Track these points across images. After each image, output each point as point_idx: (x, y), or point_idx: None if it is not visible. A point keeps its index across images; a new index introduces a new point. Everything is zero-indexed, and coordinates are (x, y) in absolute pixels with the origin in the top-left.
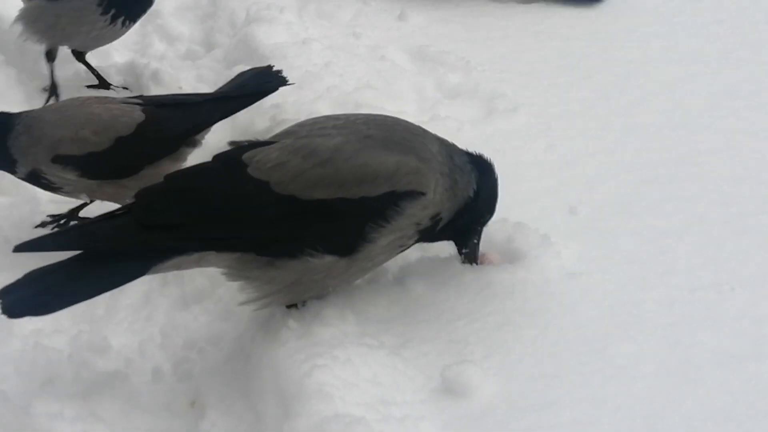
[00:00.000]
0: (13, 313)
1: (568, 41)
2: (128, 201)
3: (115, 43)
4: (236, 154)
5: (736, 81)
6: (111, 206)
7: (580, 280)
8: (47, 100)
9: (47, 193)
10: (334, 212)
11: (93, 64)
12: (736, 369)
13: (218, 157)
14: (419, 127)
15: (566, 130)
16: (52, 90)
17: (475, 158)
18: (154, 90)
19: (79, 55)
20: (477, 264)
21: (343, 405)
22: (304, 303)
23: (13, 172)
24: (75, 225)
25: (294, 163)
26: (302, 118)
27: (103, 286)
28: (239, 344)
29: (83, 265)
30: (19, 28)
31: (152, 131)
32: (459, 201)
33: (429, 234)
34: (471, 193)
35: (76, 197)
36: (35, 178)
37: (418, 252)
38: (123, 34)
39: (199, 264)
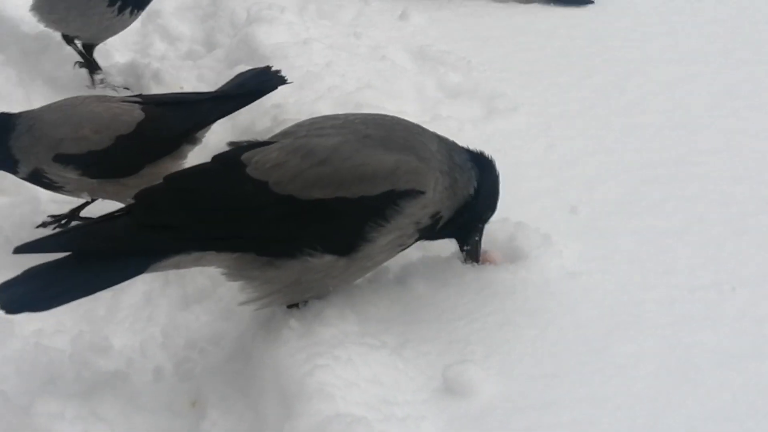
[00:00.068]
0: (12, 308)
1: (568, 41)
2: (129, 201)
3: (116, 43)
4: (235, 154)
5: (736, 81)
6: (112, 206)
7: (580, 280)
8: (92, 79)
9: (48, 193)
10: (333, 212)
11: None
12: (736, 369)
13: (217, 158)
14: (418, 126)
15: (566, 130)
16: (89, 64)
17: (476, 155)
18: (155, 90)
19: (89, 48)
20: (479, 262)
21: (345, 405)
22: (305, 303)
23: (14, 172)
24: (74, 226)
25: (293, 163)
26: (303, 117)
27: (102, 283)
28: (240, 344)
29: (82, 262)
30: (36, 15)
31: (152, 130)
32: (459, 199)
33: (429, 232)
34: (471, 191)
35: (78, 196)
36: (37, 178)
37: (419, 251)
38: (132, 22)
39: (198, 263)
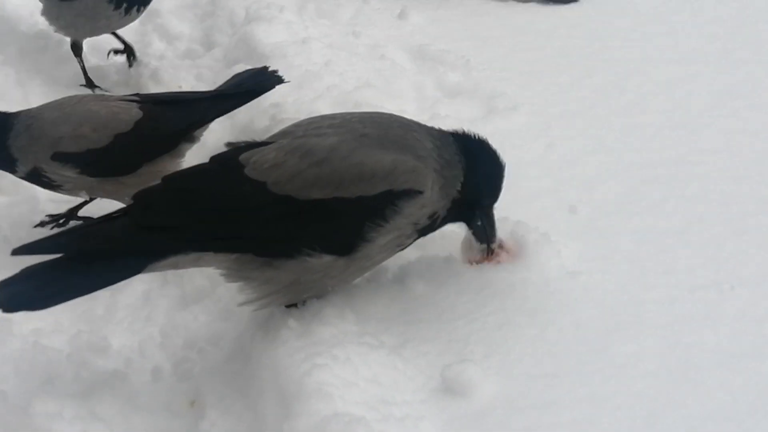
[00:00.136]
0: (9, 307)
1: (568, 41)
2: (127, 200)
3: (116, 43)
4: (233, 155)
5: (736, 81)
6: (111, 205)
7: (580, 280)
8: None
9: (46, 192)
10: (332, 212)
11: (93, 63)
12: (736, 369)
13: (215, 158)
14: (414, 122)
15: (566, 129)
16: (89, 83)
17: (464, 142)
18: (154, 89)
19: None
20: (491, 245)
21: (343, 404)
22: (303, 302)
23: (13, 171)
24: (72, 228)
25: (291, 163)
26: (302, 117)
27: (99, 282)
28: (239, 344)
29: (80, 261)
30: (46, 21)
31: (150, 128)
32: (450, 198)
33: (428, 231)
34: (458, 187)
35: (76, 195)
36: (36, 177)
37: (418, 251)
38: (139, 17)
39: (196, 264)
